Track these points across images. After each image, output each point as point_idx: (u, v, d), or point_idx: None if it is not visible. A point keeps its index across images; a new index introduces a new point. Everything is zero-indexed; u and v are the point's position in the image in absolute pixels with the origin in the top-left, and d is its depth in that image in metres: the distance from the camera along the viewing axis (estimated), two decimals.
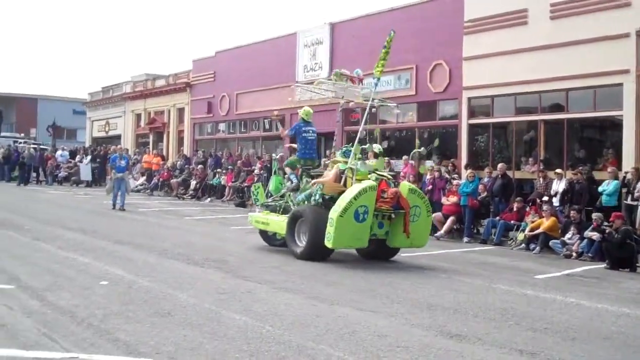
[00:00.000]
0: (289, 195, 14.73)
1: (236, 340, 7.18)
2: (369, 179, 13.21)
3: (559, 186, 17.92)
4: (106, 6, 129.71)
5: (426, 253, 15.34)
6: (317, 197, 13.52)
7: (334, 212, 12.64)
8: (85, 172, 37.52)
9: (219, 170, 31.17)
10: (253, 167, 28.65)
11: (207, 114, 36.54)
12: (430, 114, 24.19)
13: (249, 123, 33.87)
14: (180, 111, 40.28)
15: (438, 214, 19.04)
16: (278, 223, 14.17)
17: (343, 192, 13.08)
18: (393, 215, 13.18)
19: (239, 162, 30.38)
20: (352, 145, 13.95)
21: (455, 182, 19.73)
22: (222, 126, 36.44)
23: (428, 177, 20.72)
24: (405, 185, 13.78)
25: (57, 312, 8.13)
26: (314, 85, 18.65)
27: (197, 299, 9.10)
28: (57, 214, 20.66)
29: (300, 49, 29.72)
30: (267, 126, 32.54)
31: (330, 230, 12.61)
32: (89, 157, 38.19)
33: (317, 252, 13.03)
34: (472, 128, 22.57)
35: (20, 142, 43.25)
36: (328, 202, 13.26)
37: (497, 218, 18.38)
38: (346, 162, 13.72)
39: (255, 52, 32.86)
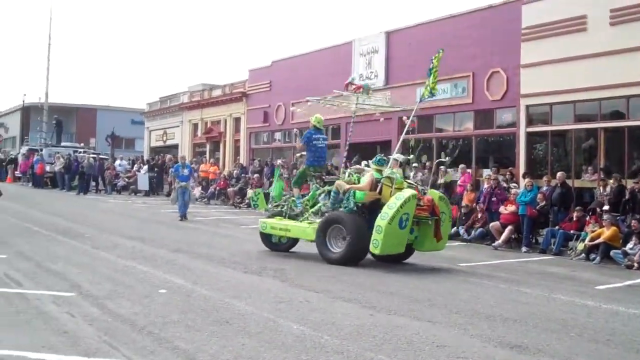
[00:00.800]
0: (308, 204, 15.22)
1: (294, 349, 7.17)
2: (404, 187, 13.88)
3: (611, 192, 17.62)
4: (164, 18, 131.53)
5: (484, 263, 15.23)
6: (352, 204, 13.72)
7: (382, 220, 12.94)
8: (143, 182, 37.94)
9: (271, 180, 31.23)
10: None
11: (263, 123, 36.74)
12: (487, 122, 23.96)
13: (305, 132, 33.90)
14: (237, 120, 40.58)
15: (496, 224, 18.83)
16: (301, 229, 14.63)
17: (378, 199, 13.62)
18: (427, 222, 13.80)
19: (294, 171, 30.42)
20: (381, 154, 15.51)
21: (513, 191, 19.47)
22: (277, 135, 36.60)
23: (485, 186, 20.49)
24: (435, 193, 14.53)
25: (117, 319, 8.22)
26: (325, 99, 19.14)
27: (255, 307, 9.12)
28: (116, 222, 20.94)
29: (356, 58, 29.71)
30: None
31: (378, 237, 12.94)
32: (146, 167, 38.65)
33: (354, 257, 13.55)
34: (530, 136, 22.29)
35: (80, 152, 43.97)
36: (361, 208, 13.74)
37: (557, 227, 18.09)
38: (379, 171, 14.00)
39: (310, 61, 32.96)
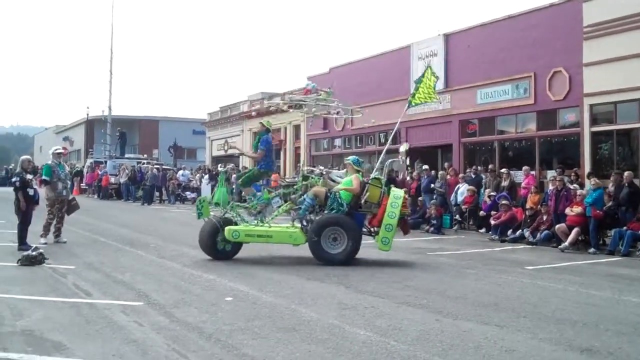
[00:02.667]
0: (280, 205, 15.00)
1: (361, 355, 7.16)
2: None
3: None
4: (223, 29, 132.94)
5: (551, 266, 15.01)
6: (344, 206, 14.30)
7: (392, 219, 14.11)
8: (205, 191, 38.32)
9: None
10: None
11: (323, 130, 36.82)
12: (550, 122, 23.61)
13: (365, 138, 33.92)
14: (297, 128, 40.75)
15: (562, 225, 18.51)
16: (287, 234, 14.56)
17: (357, 200, 14.52)
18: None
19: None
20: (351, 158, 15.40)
21: (579, 192, 19.12)
22: (337, 141, 36.64)
23: (550, 187, 20.18)
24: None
25: (185, 328, 8.31)
26: (282, 101, 19.25)
27: (320, 314, 9.13)
28: (180, 232, 21.16)
29: (414, 62, 29.58)
30: (382, 140, 32.49)
31: (389, 235, 14.12)
32: (207, 176, 39.05)
33: (353, 257, 14.33)
34: (594, 136, 21.91)
35: (144, 163, 44.68)
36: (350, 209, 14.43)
37: (624, 228, 17.69)
38: (359, 172, 14.94)
39: (369, 67, 32.95)
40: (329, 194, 14.47)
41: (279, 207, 14.90)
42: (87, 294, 10.59)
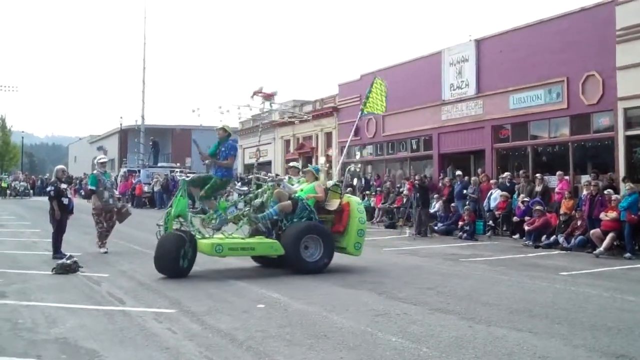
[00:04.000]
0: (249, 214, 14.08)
1: None
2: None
3: None
4: (254, 38, 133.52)
5: (586, 271, 14.86)
6: (314, 213, 14.14)
7: (363, 224, 14.49)
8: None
9: (367, 192, 31.26)
10: (402, 189, 28.52)
11: (354, 137, 36.75)
12: (584, 127, 23.38)
13: (396, 144, 33.85)
14: (328, 135, 40.79)
15: (597, 231, 18.31)
16: (268, 244, 13.72)
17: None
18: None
19: (387, 183, 30.38)
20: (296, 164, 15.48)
21: (613, 197, 18.90)
22: (369, 148, 36.58)
23: (585, 192, 19.97)
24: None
25: (217, 335, 8.34)
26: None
27: (353, 320, 9.11)
28: None
29: (446, 67, 29.48)
30: (414, 146, 32.44)
31: (362, 240, 14.42)
32: (239, 184, 39.13)
33: (328, 263, 13.99)
34: (629, 140, 21.64)
35: (177, 172, 44.95)
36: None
37: None
38: (317, 178, 15.00)
39: (400, 73, 32.85)
40: (297, 203, 14.04)
41: (234, 216, 14.17)
42: (121, 302, 10.67)
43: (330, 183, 15.48)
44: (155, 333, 8.48)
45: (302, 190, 14.60)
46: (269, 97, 16.22)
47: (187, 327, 8.79)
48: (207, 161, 14.50)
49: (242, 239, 13.90)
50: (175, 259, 12.88)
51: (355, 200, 14.98)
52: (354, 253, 14.42)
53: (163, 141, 64.47)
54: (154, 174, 44.42)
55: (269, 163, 47.31)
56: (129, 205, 33.71)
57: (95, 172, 18.17)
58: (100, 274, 13.55)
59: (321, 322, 9.03)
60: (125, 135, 70.63)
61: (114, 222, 17.74)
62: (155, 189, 42.14)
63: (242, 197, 14.81)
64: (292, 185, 15.10)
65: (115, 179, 49.71)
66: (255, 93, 16.02)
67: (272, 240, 13.77)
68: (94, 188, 17.66)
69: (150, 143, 53.36)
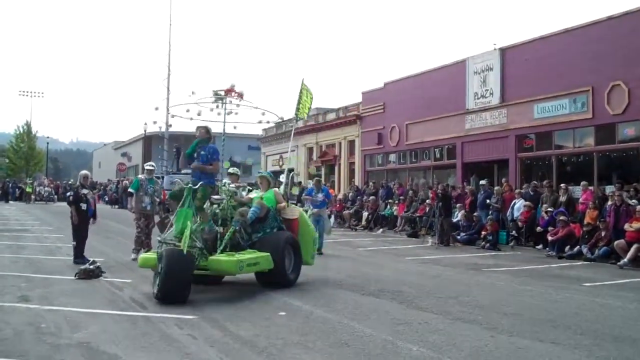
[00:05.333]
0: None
1: None
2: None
3: None
4: (277, 46, 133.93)
5: (610, 282, 14.74)
6: (279, 221, 13.40)
7: (315, 233, 14.23)
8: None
9: (390, 200, 31.23)
10: (425, 197, 28.44)
11: (378, 145, 36.78)
12: (609, 137, 23.21)
13: (419, 153, 33.78)
14: (351, 143, 40.78)
15: (621, 241, 18.15)
16: (268, 259, 12.25)
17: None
18: None
19: (410, 192, 30.32)
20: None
21: (638, 207, 18.73)
22: (392, 157, 36.54)
23: (609, 203, 19.81)
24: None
25: (238, 341, 8.34)
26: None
27: (373, 329, 9.08)
28: None
29: (470, 76, 29.39)
30: (437, 155, 32.36)
31: (315, 249, 14.11)
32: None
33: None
34: None
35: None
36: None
37: None
38: (272, 186, 14.17)
39: (424, 82, 32.84)
40: (269, 212, 13.13)
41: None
42: (143, 307, 10.70)
43: (281, 189, 14.56)
44: (176, 339, 8.49)
45: (261, 198, 13.51)
46: (239, 96, 15.63)
47: (208, 333, 8.80)
48: (192, 166, 12.83)
49: (251, 254, 12.21)
50: (187, 282, 11.15)
51: (300, 209, 14.57)
52: (309, 262, 13.73)
53: (187, 148, 64.68)
54: (176, 180, 44.57)
55: (291, 171, 47.35)
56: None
57: (141, 176, 18.36)
58: (123, 279, 13.60)
59: (342, 330, 9.01)
60: (149, 142, 70.91)
61: (150, 230, 17.54)
62: None
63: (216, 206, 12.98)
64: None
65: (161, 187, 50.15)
66: (227, 92, 15.62)
67: (266, 253, 12.28)
68: (131, 191, 17.78)
69: (174, 150, 53.52)
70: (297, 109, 17.07)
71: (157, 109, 15.98)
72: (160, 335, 8.70)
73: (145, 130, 66.02)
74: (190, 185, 12.23)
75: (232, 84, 15.30)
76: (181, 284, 10.91)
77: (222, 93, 14.57)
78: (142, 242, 17.16)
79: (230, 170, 14.75)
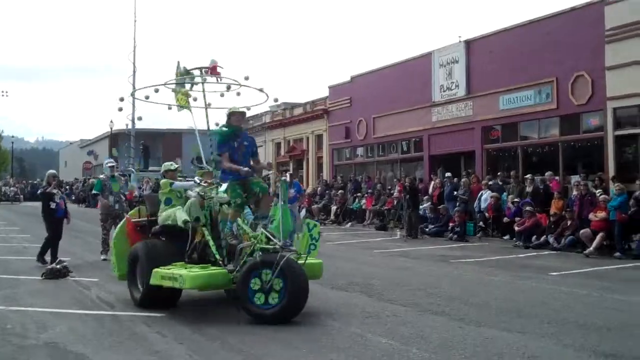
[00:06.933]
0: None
1: None
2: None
3: None
4: (243, 40, 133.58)
5: (576, 271, 14.92)
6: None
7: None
8: None
9: (358, 194, 31.30)
10: (392, 190, 28.55)
11: (345, 139, 36.81)
12: (573, 127, 23.41)
13: (387, 146, 33.86)
14: (319, 138, 40.79)
15: (587, 231, 18.35)
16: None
17: None
18: None
19: (378, 185, 30.41)
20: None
21: (602, 197, 18.95)
22: (360, 150, 36.59)
23: (575, 193, 20.02)
24: None
25: (208, 338, 8.36)
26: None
27: (343, 323, 9.12)
28: None
29: (436, 69, 29.48)
30: (405, 148, 32.46)
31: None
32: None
33: None
34: (618, 140, 21.66)
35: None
36: None
37: None
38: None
39: (390, 75, 32.90)
40: None
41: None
42: (111, 306, 10.65)
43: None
44: (145, 337, 8.48)
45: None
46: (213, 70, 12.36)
47: (177, 330, 8.78)
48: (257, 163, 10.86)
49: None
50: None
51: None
52: None
53: (154, 145, 64.30)
54: (144, 178, 44.28)
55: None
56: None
57: (102, 176, 18.03)
58: (90, 278, 13.52)
59: (312, 324, 9.03)
60: (115, 140, 70.41)
61: None
62: (145, 193, 42.01)
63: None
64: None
65: (126, 184, 49.79)
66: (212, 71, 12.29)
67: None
68: (97, 192, 17.55)
69: (141, 147, 53.23)
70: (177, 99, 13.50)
71: (121, 99, 13.68)
72: (128, 333, 8.67)
73: (111, 128, 65.51)
74: (284, 178, 11.02)
75: (212, 60, 11.88)
76: (306, 297, 9.46)
77: (200, 72, 12.51)
78: (109, 244, 16.99)
79: (166, 163, 13.44)
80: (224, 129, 10.64)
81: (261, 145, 47.53)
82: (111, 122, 63.55)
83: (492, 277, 13.86)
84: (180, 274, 9.41)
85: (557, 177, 22.55)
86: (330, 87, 39.35)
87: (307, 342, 8.10)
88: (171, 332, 8.65)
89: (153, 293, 10.04)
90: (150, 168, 50.96)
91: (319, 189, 35.48)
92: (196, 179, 11.25)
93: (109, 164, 18.26)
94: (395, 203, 26.70)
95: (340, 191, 31.92)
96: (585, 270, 15.13)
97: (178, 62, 12.72)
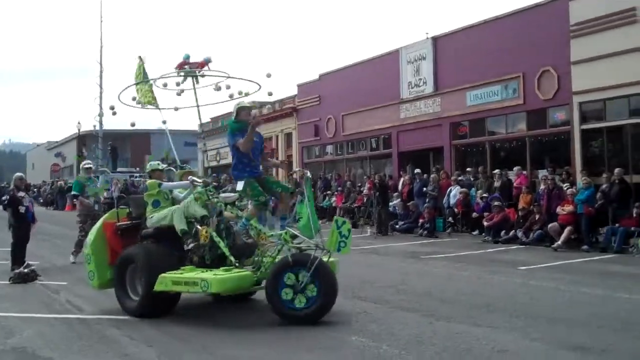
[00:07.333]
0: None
1: None
2: None
3: None
4: (212, 39, 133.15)
5: (544, 265, 15.06)
6: None
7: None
8: None
9: (328, 192, 31.31)
10: (362, 188, 28.60)
11: (314, 137, 36.81)
12: (540, 122, 23.60)
13: (356, 143, 33.90)
14: (288, 136, 40.74)
15: (554, 224, 18.53)
16: None
17: None
18: None
19: (348, 183, 30.45)
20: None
21: (569, 190, 19.14)
22: (329, 148, 36.61)
23: (542, 187, 20.20)
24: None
25: (176, 339, 8.36)
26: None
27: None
28: None
29: (404, 66, 29.55)
30: (374, 145, 32.52)
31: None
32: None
33: None
34: (584, 134, 21.87)
35: (136, 177, 44.59)
36: None
37: (617, 225, 17.72)
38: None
39: (358, 73, 32.92)
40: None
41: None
42: (79, 310, 10.58)
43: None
44: (114, 340, 8.43)
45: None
46: (201, 66, 12.24)
47: (146, 333, 8.74)
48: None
49: None
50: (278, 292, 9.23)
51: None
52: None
53: (122, 146, 63.91)
54: (113, 179, 44.01)
55: (229, 165, 47.08)
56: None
57: (79, 177, 17.83)
58: (59, 282, 13.41)
59: (280, 323, 9.01)
60: (83, 141, 69.83)
61: None
62: (115, 194, 41.73)
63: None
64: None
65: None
66: (180, 65, 12.10)
67: None
68: (77, 194, 17.27)
69: (109, 148, 52.88)
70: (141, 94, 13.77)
71: (112, 107, 12.59)
72: (98, 337, 8.62)
73: (79, 130, 65.03)
74: (308, 176, 10.82)
75: (206, 58, 12.15)
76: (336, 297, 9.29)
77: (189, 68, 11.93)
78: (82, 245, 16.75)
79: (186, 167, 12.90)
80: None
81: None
82: (79, 123, 63.01)
83: (461, 273, 13.95)
84: (203, 278, 8.97)
85: (524, 172, 22.72)
86: (299, 86, 39.30)
87: (276, 340, 8.13)
88: (141, 335, 8.60)
89: (154, 300, 9.56)
90: (119, 169, 50.60)
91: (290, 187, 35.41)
92: (192, 178, 10.89)
93: (86, 165, 18.16)
94: (365, 200, 26.74)
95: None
96: (554, 264, 15.28)
97: (140, 57, 12.67)
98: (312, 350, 7.62)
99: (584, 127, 21.74)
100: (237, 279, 9.19)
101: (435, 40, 28.16)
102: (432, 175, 25.29)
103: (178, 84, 12.45)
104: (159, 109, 13.11)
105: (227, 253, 9.69)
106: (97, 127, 53.72)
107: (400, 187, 26.48)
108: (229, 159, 47.19)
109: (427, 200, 24.05)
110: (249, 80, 12.34)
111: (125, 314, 9.81)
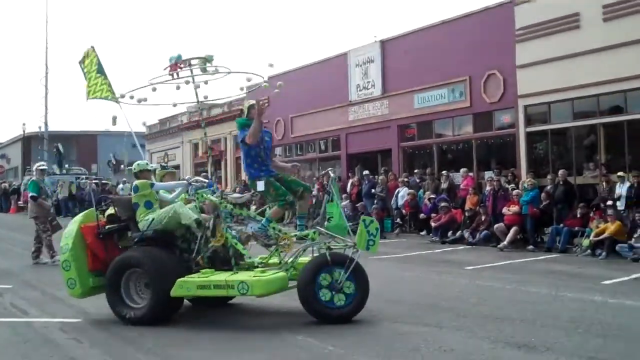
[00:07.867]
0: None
1: None
2: None
3: (622, 189, 17.55)
4: (160, 41, 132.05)
5: (491, 265, 15.24)
6: None
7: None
8: None
9: None
10: (311, 189, 28.60)
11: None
12: (486, 124, 23.90)
13: (305, 145, 33.93)
14: (237, 138, 40.59)
15: (500, 225, 18.77)
16: None
17: None
18: None
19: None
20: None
21: (515, 191, 19.43)
22: (278, 150, 36.55)
23: (488, 188, 20.45)
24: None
25: (124, 342, 8.29)
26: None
27: (260, 321, 9.14)
28: None
29: (352, 69, 29.67)
30: (322, 147, 32.58)
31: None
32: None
33: None
34: (530, 136, 22.21)
35: (83, 179, 44.04)
36: None
37: (561, 225, 18.03)
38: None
39: (307, 75, 32.93)
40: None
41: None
42: (25, 313, 10.40)
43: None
44: (60, 343, 8.31)
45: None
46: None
47: (93, 336, 8.64)
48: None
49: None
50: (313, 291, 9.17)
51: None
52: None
53: (68, 147, 63.09)
54: (59, 181, 43.35)
55: (177, 167, 46.75)
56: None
57: (34, 178, 17.45)
58: (3, 285, 13.13)
59: (229, 325, 9.00)
60: (28, 143, 68.75)
61: (54, 231, 16.57)
62: (61, 196, 41.13)
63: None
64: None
65: (19, 188, 48.63)
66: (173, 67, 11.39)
67: None
68: (36, 195, 16.79)
69: (55, 150, 52.16)
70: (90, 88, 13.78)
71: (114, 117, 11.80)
72: (43, 340, 8.49)
73: (24, 131, 64.02)
74: (334, 176, 10.96)
75: (171, 57, 11.56)
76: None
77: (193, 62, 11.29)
78: (52, 244, 16.28)
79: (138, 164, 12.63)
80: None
81: (178, 147, 47.15)
82: (24, 124, 62.04)
83: (409, 273, 14.04)
84: (243, 280, 8.67)
85: (471, 174, 22.99)
86: (248, 87, 39.14)
87: (226, 342, 8.12)
88: (87, 338, 8.50)
89: (162, 306, 9.13)
90: (71, 170, 49.98)
91: (238, 189, 35.30)
92: (188, 178, 10.55)
93: (41, 167, 17.84)
94: (314, 202, 26.73)
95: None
96: (500, 264, 15.48)
97: (92, 47, 12.54)
98: (258, 350, 7.63)
99: (529, 129, 22.08)
100: (280, 281, 9.02)
101: (384, 43, 28.31)
102: (380, 177, 25.42)
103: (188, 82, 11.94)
104: (118, 102, 12.98)
105: (246, 254, 9.64)
106: (43, 129, 53.00)
107: (349, 188, 26.54)
108: (176, 161, 46.95)
109: (375, 201, 24.16)
110: (254, 74, 12.18)
111: (72, 317, 9.71)
